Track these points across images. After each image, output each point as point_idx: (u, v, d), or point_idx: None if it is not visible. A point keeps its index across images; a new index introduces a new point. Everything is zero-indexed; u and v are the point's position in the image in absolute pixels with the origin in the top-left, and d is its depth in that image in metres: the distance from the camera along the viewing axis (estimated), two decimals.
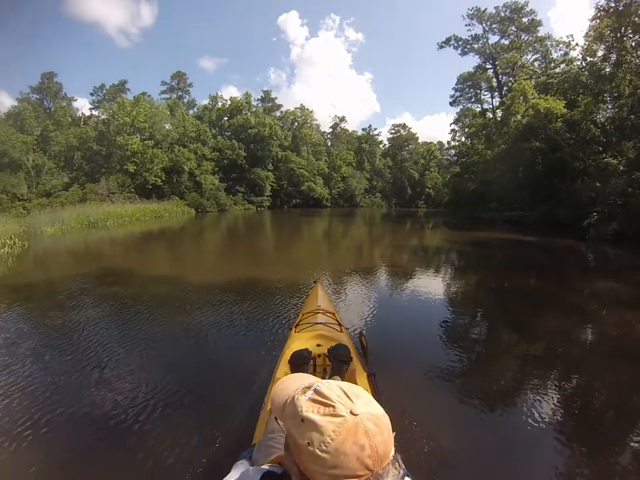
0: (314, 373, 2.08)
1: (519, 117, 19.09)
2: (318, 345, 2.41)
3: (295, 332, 2.75)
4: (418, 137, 63.43)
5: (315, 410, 0.58)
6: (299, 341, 2.51)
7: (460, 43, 27.58)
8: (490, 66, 27.63)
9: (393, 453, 0.60)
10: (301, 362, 1.94)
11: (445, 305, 5.94)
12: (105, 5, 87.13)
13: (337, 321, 2.89)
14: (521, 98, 19.31)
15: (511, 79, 26.24)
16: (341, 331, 2.74)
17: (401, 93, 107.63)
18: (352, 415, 0.56)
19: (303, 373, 1.65)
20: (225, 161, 38.10)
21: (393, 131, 63.06)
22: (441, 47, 28.80)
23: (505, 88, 27.13)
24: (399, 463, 1.52)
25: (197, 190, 33.41)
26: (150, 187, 31.12)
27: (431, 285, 7.06)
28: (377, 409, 0.60)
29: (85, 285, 6.72)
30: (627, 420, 2.80)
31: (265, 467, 0.77)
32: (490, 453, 2.41)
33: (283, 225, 24.16)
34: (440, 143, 63.73)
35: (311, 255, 11.28)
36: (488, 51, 26.50)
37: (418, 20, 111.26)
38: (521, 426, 2.61)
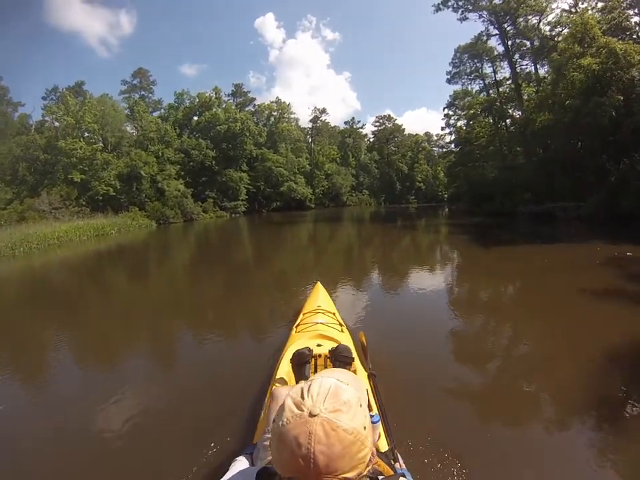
0: (315, 372, 1.95)
1: (584, 62, 13.75)
2: (318, 345, 2.31)
3: (296, 332, 2.76)
4: (404, 129, 60.05)
5: (294, 396, 0.61)
6: (299, 341, 2.43)
7: (461, 2, 23.23)
8: (496, 31, 23.35)
9: (352, 474, 0.56)
10: (302, 361, 1.84)
11: (451, 308, 5.19)
12: (84, 16, 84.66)
13: (338, 320, 2.91)
14: (576, 45, 14.42)
15: (521, 43, 22.37)
16: (342, 331, 2.73)
17: (380, 90, 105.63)
18: (310, 414, 0.56)
19: (305, 371, 1.75)
20: (191, 164, 33.55)
21: (377, 124, 59.45)
22: (438, 9, 24.55)
23: (516, 55, 23.14)
24: (399, 463, 1.28)
25: (159, 198, 29.03)
26: (100, 197, 26.75)
27: (436, 287, 6.29)
28: (347, 423, 0.56)
29: None
30: None
31: (262, 464, 0.79)
32: (492, 455, 2.17)
33: (247, 239, 19.72)
34: (427, 134, 60.67)
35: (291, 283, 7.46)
36: (497, 9, 21.95)
37: (394, 15, 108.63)
38: (525, 429, 2.41)
